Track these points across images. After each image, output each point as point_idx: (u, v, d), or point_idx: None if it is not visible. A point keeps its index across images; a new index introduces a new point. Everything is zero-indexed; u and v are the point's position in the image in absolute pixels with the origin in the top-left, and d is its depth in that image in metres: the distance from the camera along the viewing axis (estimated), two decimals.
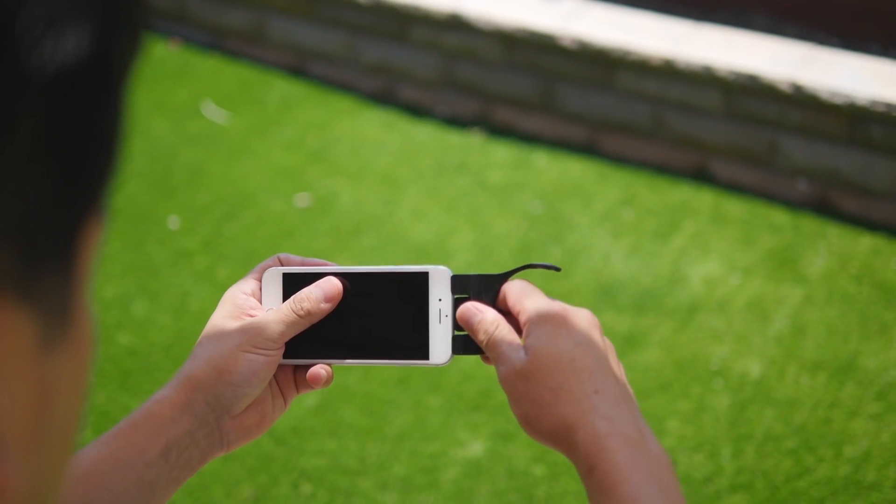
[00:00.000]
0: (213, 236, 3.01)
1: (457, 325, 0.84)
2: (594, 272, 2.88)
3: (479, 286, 0.84)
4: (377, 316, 0.86)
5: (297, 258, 0.90)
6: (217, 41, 3.97)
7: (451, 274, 0.85)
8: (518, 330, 0.81)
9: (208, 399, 0.82)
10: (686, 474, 2.34)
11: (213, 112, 3.60)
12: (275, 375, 0.85)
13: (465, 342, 0.84)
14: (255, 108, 3.64)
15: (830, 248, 2.98)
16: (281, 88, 3.73)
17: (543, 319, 0.79)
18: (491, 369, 2.81)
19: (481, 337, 0.81)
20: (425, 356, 0.85)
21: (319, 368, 0.85)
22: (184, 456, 0.81)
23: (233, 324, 0.84)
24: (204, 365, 0.82)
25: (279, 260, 0.89)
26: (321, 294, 0.85)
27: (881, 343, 2.66)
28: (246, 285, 0.87)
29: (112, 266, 2.90)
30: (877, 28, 3.32)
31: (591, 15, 3.45)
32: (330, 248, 2.95)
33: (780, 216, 3.10)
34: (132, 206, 3.14)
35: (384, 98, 3.66)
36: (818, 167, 3.14)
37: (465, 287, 0.84)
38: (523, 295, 0.82)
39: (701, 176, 3.26)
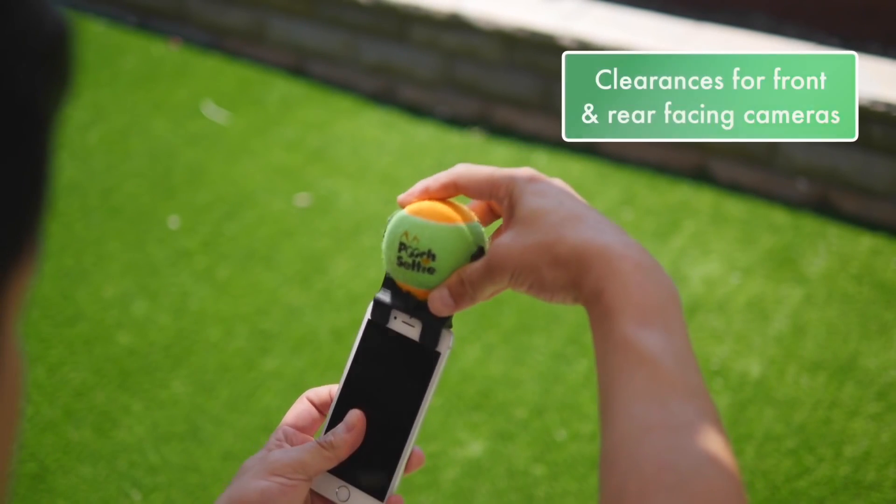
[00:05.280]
0: (213, 236, 3.01)
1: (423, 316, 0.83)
2: None
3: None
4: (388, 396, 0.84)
5: (325, 390, 0.86)
6: (217, 41, 3.97)
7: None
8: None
9: None
10: None
11: (213, 112, 3.60)
12: None
13: (433, 328, 0.83)
14: (255, 108, 3.64)
15: (830, 248, 2.98)
16: (281, 88, 3.73)
17: (527, 179, 0.76)
18: (491, 369, 2.79)
19: (467, 289, 0.78)
20: (434, 360, 0.83)
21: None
22: None
23: (257, 460, 0.81)
24: (223, 499, 0.79)
25: (307, 399, 0.86)
26: (343, 426, 0.82)
27: (881, 343, 2.66)
28: (280, 431, 0.84)
29: (112, 266, 2.90)
30: (877, 28, 3.32)
31: (591, 15, 3.45)
32: (330, 248, 2.95)
33: (780, 216, 3.10)
34: (132, 205, 3.14)
35: (384, 98, 3.66)
36: (818, 167, 3.14)
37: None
38: (485, 171, 0.79)
39: (701, 176, 3.26)
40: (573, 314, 2.71)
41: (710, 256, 2.95)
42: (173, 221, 3.07)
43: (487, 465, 2.36)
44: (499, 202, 0.78)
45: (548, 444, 2.41)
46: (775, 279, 2.87)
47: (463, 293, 0.78)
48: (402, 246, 0.81)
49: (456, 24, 3.51)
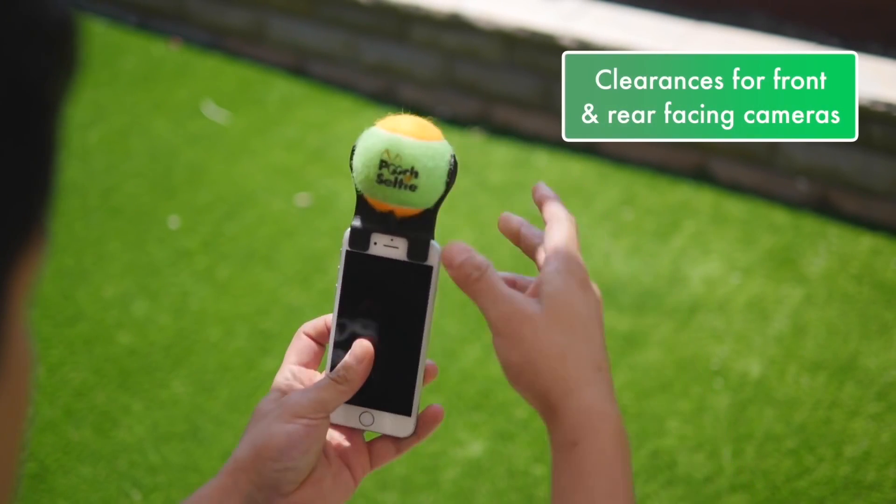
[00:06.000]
0: (213, 236, 3.01)
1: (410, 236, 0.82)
2: (595, 272, 2.88)
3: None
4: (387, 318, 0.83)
5: (321, 321, 0.85)
6: (217, 41, 3.97)
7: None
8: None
9: (252, 479, 0.77)
10: (686, 474, 2.34)
11: (213, 112, 3.60)
12: (340, 449, 0.82)
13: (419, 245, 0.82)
14: (255, 107, 3.64)
15: (830, 248, 2.98)
16: (281, 88, 3.73)
17: (567, 271, 0.77)
18: (491, 369, 2.79)
19: (475, 274, 0.78)
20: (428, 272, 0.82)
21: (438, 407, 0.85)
22: None
23: (272, 403, 0.80)
24: (245, 445, 0.78)
25: (304, 334, 0.85)
26: (353, 358, 0.82)
27: (881, 343, 2.66)
28: (286, 370, 0.84)
29: (112, 266, 2.90)
30: (877, 28, 3.32)
31: (591, 15, 3.46)
32: (330, 247, 2.95)
33: (780, 216, 3.10)
34: (132, 205, 3.14)
35: (384, 98, 3.66)
36: (818, 167, 3.14)
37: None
38: (555, 219, 0.81)
39: (701, 176, 3.26)
40: None
41: (710, 256, 2.95)
42: (173, 221, 3.07)
43: (487, 465, 2.36)
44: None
45: (548, 444, 2.41)
46: (775, 279, 2.87)
47: (469, 277, 0.80)
48: (384, 163, 0.82)
49: (456, 24, 3.51)
